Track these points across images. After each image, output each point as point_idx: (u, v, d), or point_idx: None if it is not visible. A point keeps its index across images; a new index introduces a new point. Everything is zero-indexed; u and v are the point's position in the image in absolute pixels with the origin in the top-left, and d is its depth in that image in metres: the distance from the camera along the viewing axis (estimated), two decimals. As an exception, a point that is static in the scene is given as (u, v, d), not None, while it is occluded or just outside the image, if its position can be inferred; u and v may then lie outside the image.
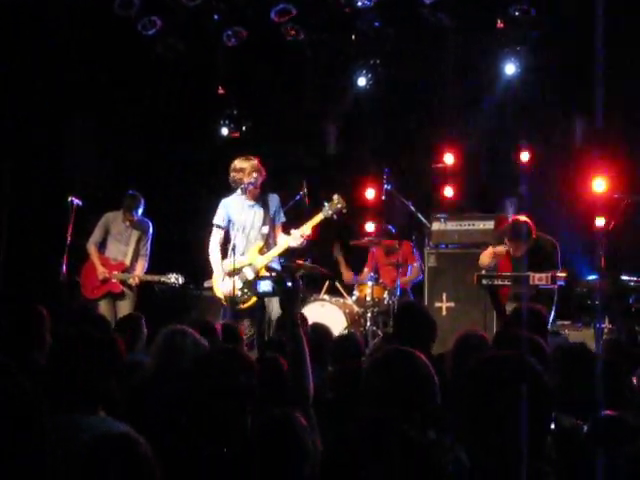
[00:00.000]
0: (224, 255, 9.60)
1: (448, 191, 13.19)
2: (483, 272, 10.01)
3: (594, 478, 3.47)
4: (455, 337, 6.10)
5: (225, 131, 14.30)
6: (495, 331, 9.34)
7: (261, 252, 9.55)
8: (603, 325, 10.15)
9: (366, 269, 12.66)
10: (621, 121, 11.68)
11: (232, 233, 9.51)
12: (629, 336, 9.64)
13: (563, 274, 9.53)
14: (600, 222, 11.07)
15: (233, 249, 9.19)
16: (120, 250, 11.21)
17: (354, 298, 12.00)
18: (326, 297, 11.87)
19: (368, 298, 11.62)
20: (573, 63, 11.89)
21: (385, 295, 11.70)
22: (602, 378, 4.83)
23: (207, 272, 11.83)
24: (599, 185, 11.25)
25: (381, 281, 12.02)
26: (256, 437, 3.30)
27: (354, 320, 11.52)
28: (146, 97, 13.36)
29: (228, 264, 9.38)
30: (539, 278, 9.41)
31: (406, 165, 13.27)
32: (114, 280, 11.04)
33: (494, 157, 13.03)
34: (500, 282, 9.80)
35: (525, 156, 12.36)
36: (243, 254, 9.57)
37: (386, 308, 11.55)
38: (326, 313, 11.30)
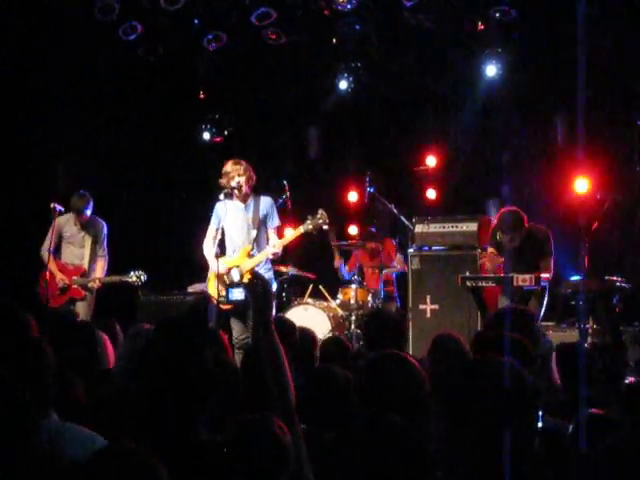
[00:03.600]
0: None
1: (431, 193, 13.20)
2: (467, 274, 10.03)
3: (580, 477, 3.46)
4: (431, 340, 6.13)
5: (207, 136, 14.29)
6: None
7: (249, 255, 9.53)
8: (587, 326, 10.17)
9: (348, 267, 12.70)
10: (603, 121, 11.71)
11: (221, 235, 9.54)
12: (613, 336, 9.67)
13: (546, 274, 9.56)
14: (583, 222, 11.09)
15: (216, 254, 9.18)
16: (75, 254, 10.90)
17: (338, 301, 12.00)
18: (310, 300, 11.85)
19: (352, 301, 11.63)
20: (554, 64, 11.91)
21: (369, 298, 11.71)
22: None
23: (191, 277, 11.84)
24: (582, 185, 11.27)
25: (365, 284, 12.03)
26: (231, 441, 3.27)
27: (338, 323, 11.51)
28: (127, 102, 13.33)
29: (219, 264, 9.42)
30: (523, 279, 9.43)
31: (388, 168, 13.28)
32: (75, 286, 10.77)
33: (476, 159, 13.05)
34: (484, 283, 9.83)
35: (507, 157, 12.37)
36: (230, 255, 9.59)
37: (370, 311, 11.54)
38: (310, 317, 11.28)
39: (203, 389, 3.43)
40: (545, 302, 9.69)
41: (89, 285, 10.80)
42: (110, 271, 11.02)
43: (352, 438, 2.68)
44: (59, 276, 10.76)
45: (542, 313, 9.71)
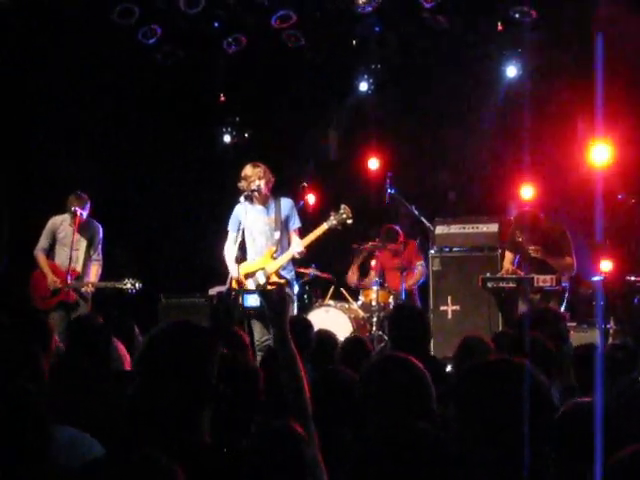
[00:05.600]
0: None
1: (451, 194, 13.21)
2: (488, 274, 10.02)
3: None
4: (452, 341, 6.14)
5: (227, 138, 14.33)
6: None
7: (273, 257, 9.55)
8: (609, 326, 10.15)
9: (372, 272, 12.65)
10: (623, 122, 11.67)
11: (242, 238, 9.57)
12: (635, 337, 9.63)
13: (567, 274, 9.53)
14: (604, 223, 11.06)
15: (237, 258, 9.21)
16: (68, 256, 10.40)
17: (359, 303, 11.98)
18: (331, 302, 11.84)
19: (374, 303, 11.61)
20: (575, 64, 11.88)
21: (390, 299, 11.69)
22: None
23: (212, 279, 11.86)
24: (603, 185, 11.23)
25: (386, 285, 12.00)
26: (254, 448, 3.28)
27: (360, 325, 11.50)
28: (147, 105, 13.37)
29: (242, 267, 9.45)
30: (543, 280, 9.42)
31: (409, 169, 13.27)
32: (67, 289, 10.36)
33: (496, 159, 13.03)
34: (505, 284, 9.81)
35: (527, 158, 12.35)
36: (253, 259, 9.63)
37: (395, 306, 11.52)
38: (331, 319, 11.27)
39: (203, 392, 3.43)
40: (565, 302, 9.67)
41: (82, 289, 10.49)
42: (123, 274, 10.69)
43: (368, 441, 2.69)
44: (51, 278, 10.46)
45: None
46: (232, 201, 9.82)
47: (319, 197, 13.27)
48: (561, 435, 3.65)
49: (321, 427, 3.99)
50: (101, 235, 10.82)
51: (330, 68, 13.40)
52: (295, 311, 9.85)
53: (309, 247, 9.63)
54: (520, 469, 2.55)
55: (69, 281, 10.35)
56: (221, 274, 10.38)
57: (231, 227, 9.75)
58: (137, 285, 10.43)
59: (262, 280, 9.48)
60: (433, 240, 11.59)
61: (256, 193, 9.53)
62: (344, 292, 12.29)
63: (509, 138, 12.78)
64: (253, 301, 8.82)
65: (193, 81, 13.40)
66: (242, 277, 9.40)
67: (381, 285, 11.83)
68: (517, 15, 11.71)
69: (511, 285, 9.78)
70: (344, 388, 4.60)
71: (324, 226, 9.53)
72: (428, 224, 11.80)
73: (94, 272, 10.70)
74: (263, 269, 9.55)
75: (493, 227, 11.20)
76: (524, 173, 12.52)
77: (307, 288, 12.41)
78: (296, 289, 10.84)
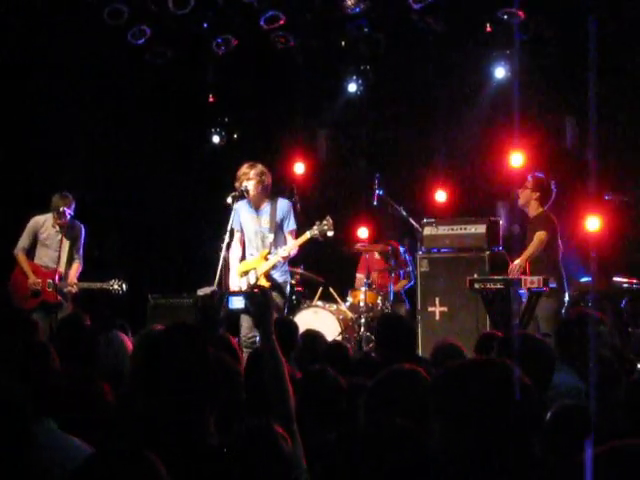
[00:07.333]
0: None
1: (440, 195, 13.21)
2: (475, 276, 10.03)
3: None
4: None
5: (216, 139, 14.32)
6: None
7: (266, 258, 9.58)
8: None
9: (358, 275, 12.67)
10: (613, 122, 11.70)
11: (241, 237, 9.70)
12: (621, 338, 9.65)
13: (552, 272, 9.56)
14: (592, 224, 11.11)
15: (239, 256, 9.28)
16: (50, 256, 10.45)
17: (348, 304, 11.99)
18: (319, 303, 11.84)
19: (362, 304, 11.61)
20: (563, 65, 11.92)
21: (379, 300, 11.70)
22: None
23: (200, 279, 11.86)
24: (590, 187, 11.26)
25: (374, 286, 12.00)
26: (234, 447, 3.30)
27: (348, 326, 11.50)
28: (136, 106, 13.36)
29: (239, 266, 9.62)
30: (531, 282, 9.41)
31: (397, 170, 13.28)
32: (49, 289, 10.28)
33: (485, 161, 13.03)
34: (492, 285, 9.80)
35: (516, 159, 12.37)
36: (249, 258, 9.71)
37: (380, 314, 11.54)
38: (319, 319, 11.27)
39: (205, 392, 3.47)
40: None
41: (65, 290, 10.44)
42: (111, 275, 10.63)
43: (354, 441, 2.70)
44: (32, 279, 10.39)
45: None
46: (220, 201, 9.83)
47: (309, 197, 13.28)
48: (550, 436, 3.67)
49: (306, 428, 4.01)
50: (83, 235, 10.76)
51: (319, 69, 13.41)
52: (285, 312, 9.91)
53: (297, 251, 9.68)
54: (500, 469, 2.55)
55: (57, 281, 10.32)
56: (209, 274, 10.39)
57: (235, 226, 9.73)
58: (123, 286, 10.40)
59: (253, 280, 9.54)
60: (421, 241, 11.57)
61: (245, 193, 9.53)
62: (333, 293, 12.29)
63: (497, 138, 12.80)
64: (238, 303, 8.82)
65: (182, 82, 13.40)
66: (238, 276, 9.48)
67: (369, 286, 11.84)
68: (505, 16, 11.72)
69: (499, 286, 9.78)
70: (329, 388, 4.62)
71: (307, 235, 9.55)
72: (416, 225, 11.80)
73: (74, 270, 10.65)
74: (255, 269, 9.58)
75: (481, 228, 11.18)
76: (512, 174, 12.55)
77: (295, 289, 12.41)
78: (288, 290, 10.87)
